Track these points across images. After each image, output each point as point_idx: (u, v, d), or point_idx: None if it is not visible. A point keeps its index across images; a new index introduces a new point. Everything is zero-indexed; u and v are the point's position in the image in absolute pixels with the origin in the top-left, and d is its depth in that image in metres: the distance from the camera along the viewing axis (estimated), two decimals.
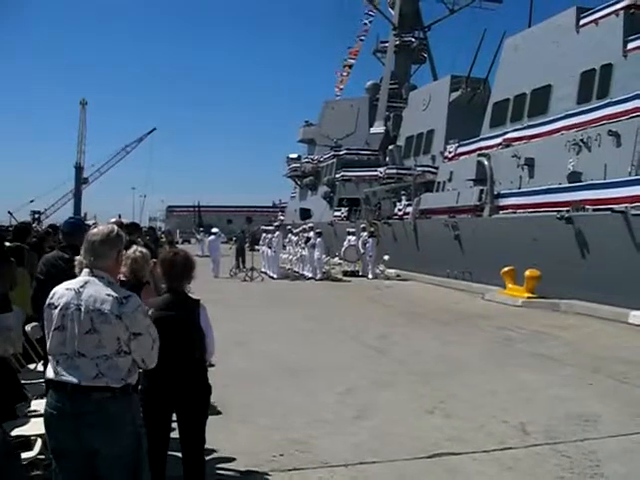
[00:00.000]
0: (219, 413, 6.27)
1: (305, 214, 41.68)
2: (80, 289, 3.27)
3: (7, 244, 7.80)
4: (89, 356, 3.19)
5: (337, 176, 40.02)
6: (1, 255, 6.15)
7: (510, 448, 5.74)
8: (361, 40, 54.89)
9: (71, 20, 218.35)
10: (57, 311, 3.26)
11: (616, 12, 19.92)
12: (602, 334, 11.89)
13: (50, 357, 3.27)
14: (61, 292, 3.33)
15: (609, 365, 9.10)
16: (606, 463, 5.37)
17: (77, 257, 3.48)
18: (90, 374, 3.17)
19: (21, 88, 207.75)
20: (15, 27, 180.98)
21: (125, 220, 9.86)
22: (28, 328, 5.88)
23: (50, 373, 3.26)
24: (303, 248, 24.34)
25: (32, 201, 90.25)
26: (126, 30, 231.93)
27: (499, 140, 24.19)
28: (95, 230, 3.49)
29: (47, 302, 3.36)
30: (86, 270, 3.36)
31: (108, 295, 3.23)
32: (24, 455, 4.16)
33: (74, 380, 3.17)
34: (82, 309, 3.22)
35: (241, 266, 25.37)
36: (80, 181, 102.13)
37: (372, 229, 26.01)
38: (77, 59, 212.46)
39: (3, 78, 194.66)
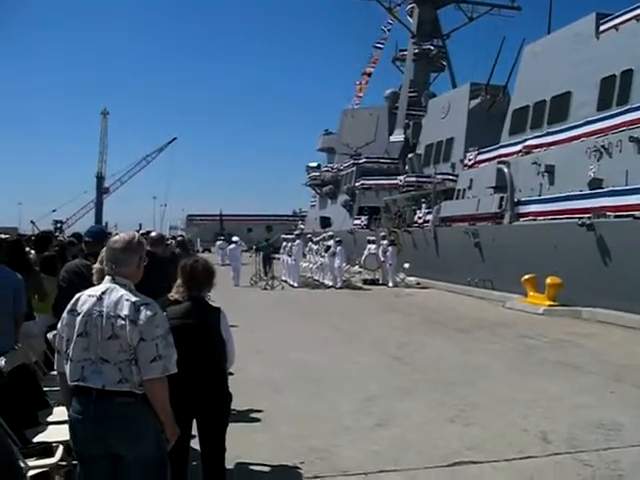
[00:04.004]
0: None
1: (325, 222, 41.77)
2: (102, 296, 3.31)
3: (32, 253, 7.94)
4: (112, 361, 3.22)
5: (357, 184, 39.94)
6: (25, 265, 6.24)
7: (531, 457, 5.68)
8: (380, 48, 55.09)
9: (93, 31, 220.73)
10: (80, 317, 3.29)
11: (636, 17, 19.75)
12: (625, 342, 11.76)
13: (73, 363, 3.28)
14: (83, 299, 3.36)
15: (632, 373, 8.99)
16: (630, 473, 5.30)
17: (95, 265, 3.51)
18: (114, 379, 3.20)
19: (43, 97, 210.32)
20: (34, 36, 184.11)
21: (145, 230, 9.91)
22: (50, 335, 5.93)
23: (74, 379, 3.28)
24: (323, 256, 24.36)
25: (54, 211, 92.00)
26: (148, 41, 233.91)
27: (519, 147, 24.04)
28: (117, 237, 3.53)
29: (68, 308, 3.40)
30: (108, 277, 3.40)
31: (127, 300, 3.26)
32: (45, 462, 4.21)
33: (98, 385, 3.21)
34: (104, 315, 3.25)
35: (262, 275, 25.39)
36: (101, 191, 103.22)
37: (392, 237, 25.98)
38: (98, 69, 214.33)
39: (26, 89, 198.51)
